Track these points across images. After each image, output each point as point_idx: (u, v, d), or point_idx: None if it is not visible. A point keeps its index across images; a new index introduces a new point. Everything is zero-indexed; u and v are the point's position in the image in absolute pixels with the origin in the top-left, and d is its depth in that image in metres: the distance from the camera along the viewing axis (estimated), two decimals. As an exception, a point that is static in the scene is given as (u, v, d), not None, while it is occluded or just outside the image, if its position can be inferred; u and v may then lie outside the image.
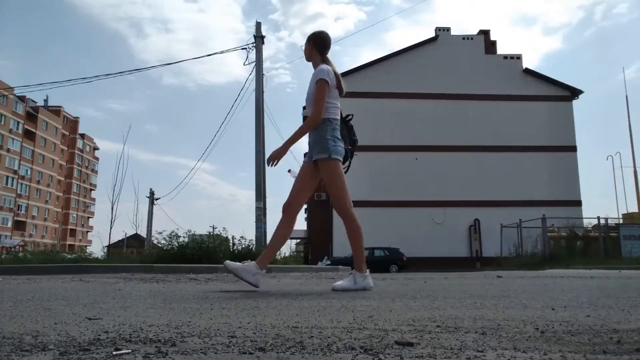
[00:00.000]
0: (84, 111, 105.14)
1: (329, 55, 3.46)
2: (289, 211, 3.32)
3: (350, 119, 3.58)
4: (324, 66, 3.32)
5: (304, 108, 3.73)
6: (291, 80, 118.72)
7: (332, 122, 3.27)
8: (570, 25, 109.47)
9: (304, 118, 3.06)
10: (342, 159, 3.28)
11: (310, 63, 3.46)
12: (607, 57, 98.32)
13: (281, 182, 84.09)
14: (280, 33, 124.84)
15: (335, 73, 3.33)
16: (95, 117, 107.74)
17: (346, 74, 26.92)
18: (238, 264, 3.25)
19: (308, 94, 3.36)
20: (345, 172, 3.34)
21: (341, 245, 23.92)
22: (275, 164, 3.31)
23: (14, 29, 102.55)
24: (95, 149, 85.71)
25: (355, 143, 3.54)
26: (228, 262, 3.26)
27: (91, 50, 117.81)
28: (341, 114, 3.46)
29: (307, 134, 3.37)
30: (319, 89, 3.24)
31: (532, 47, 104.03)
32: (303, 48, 3.47)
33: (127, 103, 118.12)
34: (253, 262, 3.23)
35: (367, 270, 3.29)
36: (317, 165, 3.30)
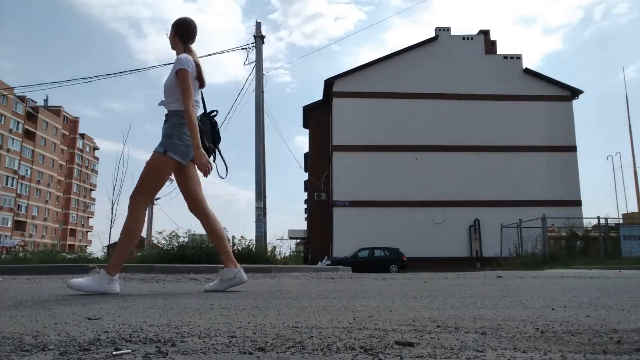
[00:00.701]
0: (84, 111, 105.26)
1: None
2: (200, 211, 3.14)
3: (215, 115, 3.38)
4: (184, 55, 3.11)
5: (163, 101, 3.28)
6: (291, 80, 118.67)
7: (184, 115, 3.03)
8: (570, 25, 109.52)
9: (171, 113, 3.10)
10: (178, 159, 3.02)
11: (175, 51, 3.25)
12: (607, 57, 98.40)
13: (282, 182, 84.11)
14: (279, 33, 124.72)
15: (196, 63, 3.16)
16: (95, 117, 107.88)
17: (346, 74, 26.93)
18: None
19: (165, 84, 3.14)
20: (208, 170, 3.05)
21: (341, 245, 23.92)
22: (210, 170, 3.07)
23: (14, 28, 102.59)
24: (95, 149, 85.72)
25: (217, 140, 3.32)
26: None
27: (91, 50, 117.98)
28: (205, 108, 3.30)
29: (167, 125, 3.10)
30: (182, 80, 3.02)
31: (532, 47, 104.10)
32: (168, 35, 3.27)
33: (127, 103, 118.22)
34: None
35: (117, 275, 2.95)
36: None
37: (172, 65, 3.16)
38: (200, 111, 3.25)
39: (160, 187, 3.12)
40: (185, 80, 3.02)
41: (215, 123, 3.35)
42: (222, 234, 3.22)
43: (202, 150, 2.99)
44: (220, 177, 3.32)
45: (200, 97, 3.25)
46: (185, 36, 3.23)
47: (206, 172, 3.04)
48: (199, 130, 3.04)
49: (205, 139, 3.15)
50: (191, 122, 2.97)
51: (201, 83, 3.21)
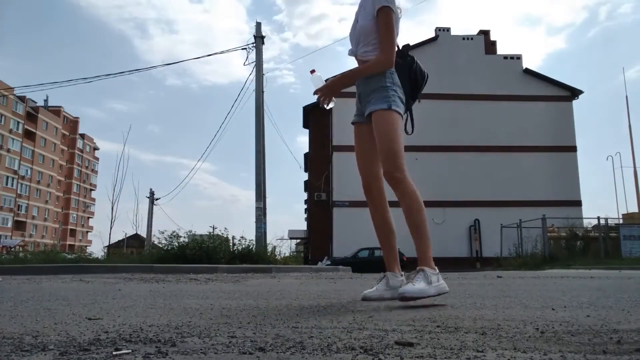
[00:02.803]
0: (87, 112, 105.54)
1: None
2: (372, 193, 2.61)
3: (408, 49, 2.62)
4: None
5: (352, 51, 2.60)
6: (294, 81, 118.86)
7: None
8: (574, 26, 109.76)
9: (359, 62, 2.53)
10: (402, 114, 2.43)
11: None
12: (611, 57, 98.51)
13: (282, 182, 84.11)
14: (284, 34, 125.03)
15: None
16: (98, 117, 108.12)
17: (346, 74, 26.92)
18: None
19: (360, 26, 2.48)
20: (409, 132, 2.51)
21: (341, 245, 23.92)
22: (326, 102, 2.51)
23: (18, 29, 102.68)
24: (96, 149, 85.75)
25: (418, 84, 2.64)
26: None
27: (96, 52, 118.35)
28: (397, 46, 2.53)
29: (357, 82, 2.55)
30: (386, 19, 2.37)
31: (536, 47, 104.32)
32: None
33: (130, 104, 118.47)
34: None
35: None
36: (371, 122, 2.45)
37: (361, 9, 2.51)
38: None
39: (402, 145, 2.42)
40: (389, 21, 2.39)
41: (412, 61, 2.62)
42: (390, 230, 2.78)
43: (338, 86, 2.50)
44: (407, 133, 2.55)
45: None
46: None
47: (319, 99, 2.51)
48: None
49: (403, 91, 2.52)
50: (373, 69, 2.43)
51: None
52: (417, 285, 2.16)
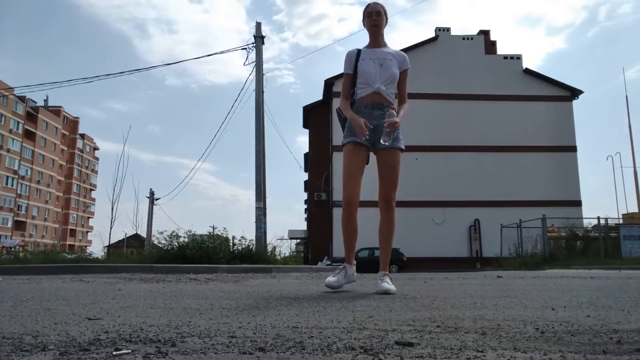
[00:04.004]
0: (87, 112, 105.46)
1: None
2: (353, 206, 3.13)
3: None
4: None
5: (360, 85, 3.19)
6: (294, 81, 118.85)
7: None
8: (574, 26, 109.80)
9: (380, 95, 3.13)
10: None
11: (383, 39, 3.24)
12: (611, 57, 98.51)
13: (282, 182, 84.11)
14: (284, 34, 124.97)
15: None
16: (98, 117, 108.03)
17: (346, 74, 26.89)
18: None
19: (392, 73, 3.10)
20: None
21: (341, 245, 23.82)
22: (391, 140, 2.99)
23: (18, 29, 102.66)
24: (96, 149, 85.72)
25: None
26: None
27: (96, 52, 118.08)
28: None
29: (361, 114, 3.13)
30: (406, 79, 3.19)
31: (536, 47, 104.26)
32: (376, 18, 3.13)
33: (130, 104, 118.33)
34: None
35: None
36: (373, 151, 3.20)
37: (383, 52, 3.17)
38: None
39: None
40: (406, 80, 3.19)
41: None
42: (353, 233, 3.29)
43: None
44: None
45: None
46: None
47: (389, 129, 2.98)
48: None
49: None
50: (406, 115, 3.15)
51: None
52: (391, 285, 2.98)
